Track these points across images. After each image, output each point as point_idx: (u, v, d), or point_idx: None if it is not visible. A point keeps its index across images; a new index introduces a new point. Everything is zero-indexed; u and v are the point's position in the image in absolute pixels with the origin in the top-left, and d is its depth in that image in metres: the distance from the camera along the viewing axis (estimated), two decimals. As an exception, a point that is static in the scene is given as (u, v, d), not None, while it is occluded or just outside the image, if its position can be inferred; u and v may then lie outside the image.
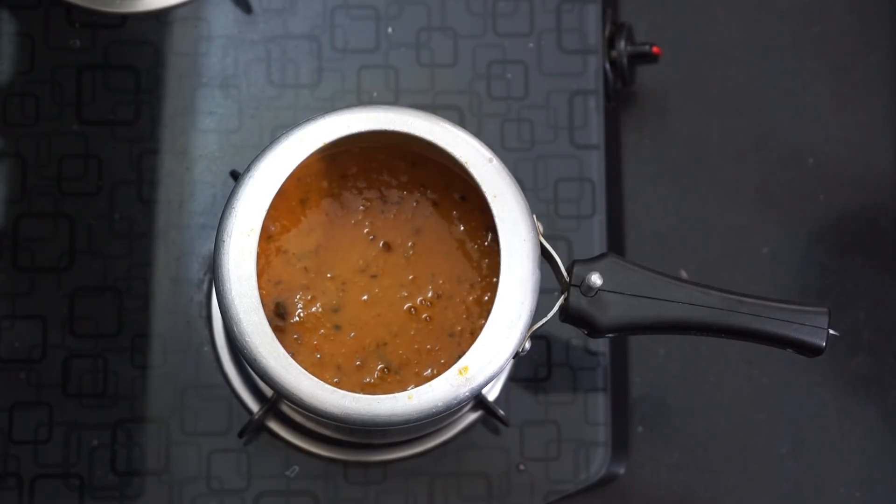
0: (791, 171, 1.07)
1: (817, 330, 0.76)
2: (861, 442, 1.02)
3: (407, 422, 0.73)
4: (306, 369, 0.73)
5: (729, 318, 0.76)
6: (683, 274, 1.04)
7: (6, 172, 0.95)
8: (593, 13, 0.98)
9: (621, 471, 0.98)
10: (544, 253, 0.77)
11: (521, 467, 0.93)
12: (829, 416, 1.02)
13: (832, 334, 0.76)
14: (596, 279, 0.75)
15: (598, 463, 0.94)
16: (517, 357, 0.75)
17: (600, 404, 0.94)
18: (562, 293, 0.77)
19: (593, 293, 0.76)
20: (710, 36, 1.09)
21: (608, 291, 0.76)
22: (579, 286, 0.76)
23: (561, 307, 0.77)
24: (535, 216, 0.76)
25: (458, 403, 0.73)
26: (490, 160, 0.76)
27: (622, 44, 1.00)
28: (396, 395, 0.73)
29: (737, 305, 0.76)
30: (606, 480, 0.95)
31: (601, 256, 0.77)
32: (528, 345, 0.76)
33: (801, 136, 1.07)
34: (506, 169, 0.76)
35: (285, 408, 0.91)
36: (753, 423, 1.02)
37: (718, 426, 1.02)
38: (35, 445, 0.92)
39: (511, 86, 0.97)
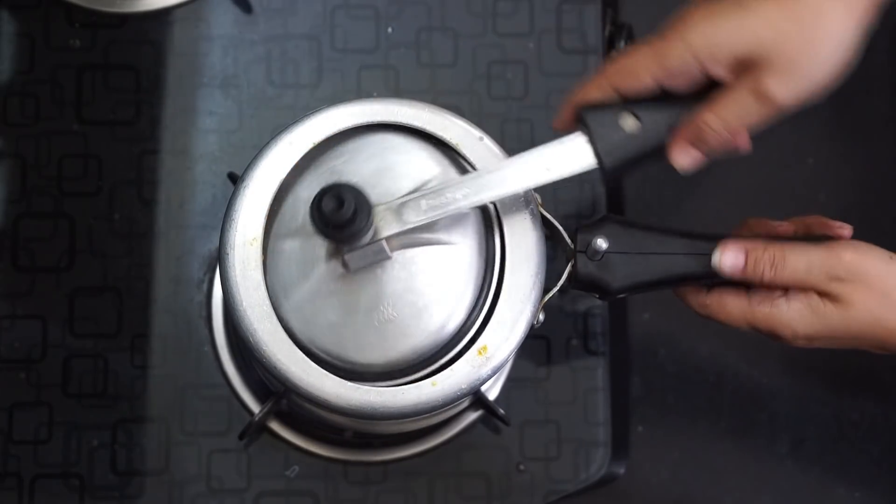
0: (791, 171, 1.07)
1: None
2: (861, 442, 1.02)
3: (434, 408, 0.73)
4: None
5: None
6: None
7: (6, 172, 0.95)
8: (593, 13, 0.98)
9: (621, 471, 0.98)
10: (546, 223, 0.77)
11: (521, 467, 0.93)
12: (829, 416, 1.02)
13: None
14: (601, 242, 0.75)
15: (598, 463, 0.94)
16: (532, 329, 0.75)
17: (600, 404, 0.94)
18: (568, 261, 0.77)
19: (600, 256, 0.76)
20: (710, 36, 1.08)
21: (614, 253, 0.76)
22: (585, 251, 0.76)
23: (570, 274, 0.77)
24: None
25: (481, 383, 0.73)
26: (481, 138, 0.76)
27: (622, 44, 1.00)
28: (420, 383, 0.73)
29: None
30: (606, 480, 0.95)
31: (602, 220, 0.77)
32: (542, 316, 0.76)
33: (800, 136, 1.07)
34: (497, 146, 0.76)
35: (285, 407, 0.91)
36: (753, 423, 1.02)
37: (718, 426, 1.02)
38: (35, 445, 0.92)
39: (511, 86, 0.97)
